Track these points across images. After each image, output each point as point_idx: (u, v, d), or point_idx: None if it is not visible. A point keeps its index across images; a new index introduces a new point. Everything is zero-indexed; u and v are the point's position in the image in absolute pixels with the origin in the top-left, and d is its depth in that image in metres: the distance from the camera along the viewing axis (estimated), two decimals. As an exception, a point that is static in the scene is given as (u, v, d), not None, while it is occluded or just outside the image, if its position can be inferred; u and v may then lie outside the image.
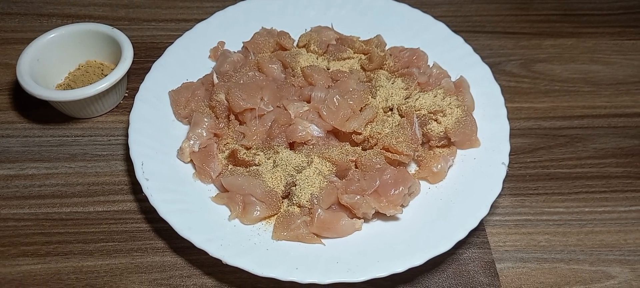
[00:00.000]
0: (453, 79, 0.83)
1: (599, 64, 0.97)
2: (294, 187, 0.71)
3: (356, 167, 0.73)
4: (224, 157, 0.75)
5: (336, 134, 0.77)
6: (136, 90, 0.80)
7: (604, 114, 0.89)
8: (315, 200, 0.69)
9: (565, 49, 1.00)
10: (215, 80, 0.82)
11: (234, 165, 0.74)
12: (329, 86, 0.80)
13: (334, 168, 0.72)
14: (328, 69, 0.85)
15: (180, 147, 0.75)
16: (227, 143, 0.76)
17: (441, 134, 0.76)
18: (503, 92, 0.81)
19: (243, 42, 0.89)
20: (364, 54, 0.87)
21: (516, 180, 0.80)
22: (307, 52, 0.87)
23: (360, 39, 0.89)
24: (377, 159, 0.72)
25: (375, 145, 0.75)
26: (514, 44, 1.00)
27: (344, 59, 0.86)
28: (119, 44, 0.84)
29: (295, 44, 0.90)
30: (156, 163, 0.73)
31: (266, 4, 0.95)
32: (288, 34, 0.90)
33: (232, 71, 0.83)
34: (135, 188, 0.77)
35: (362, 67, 0.85)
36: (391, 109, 0.79)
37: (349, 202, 0.69)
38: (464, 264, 0.71)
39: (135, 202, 0.76)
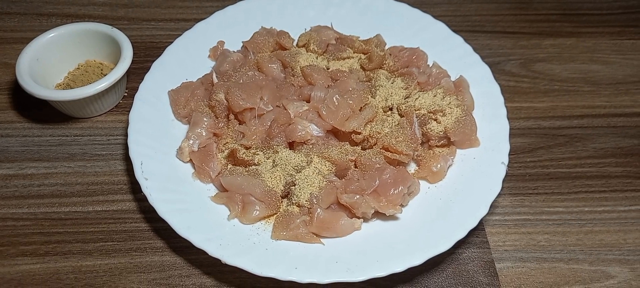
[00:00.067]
0: (453, 79, 0.83)
1: (598, 63, 0.97)
2: (293, 187, 0.71)
3: (356, 167, 0.73)
4: (223, 156, 0.75)
5: (336, 133, 0.77)
6: (135, 89, 0.80)
7: (604, 113, 0.89)
8: (314, 200, 0.69)
9: (565, 49, 1.00)
10: (215, 80, 0.82)
11: (233, 164, 0.74)
12: (328, 86, 0.80)
13: (334, 168, 0.72)
14: (328, 69, 0.85)
15: (180, 147, 0.75)
16: (227, 142, 0.76)
17: (441, 133, 0.76)
18: (502, 91, 0.81)
19: (243, 42, 0.89)
20: (364, 54, 0.87)
21: (516, 179, 0.80)
22: (307, 51, 0.87)
23: (359, 39, 0.89)
24: (377, 159, 0.72)
25: (374, 144, 0.75)
26: (513, 44, 1.00)
27: (344, 59, 0.86)
28: (118, 43, 0.84)
29: (294, 44, 0.90)
30: (155, 163, 0.73)
31: (266, 4, 0.95)
32: (288, 33, 0.90)
33: (232, 71, 0.83)
34: (135, 187, 0.77)
35: (361, 67, 0.85)
36: (391, 109, 0.79)
37: (349, 201, 0.68)
38: (463, 264, 0.71)
39: (135, 202, 0.76)
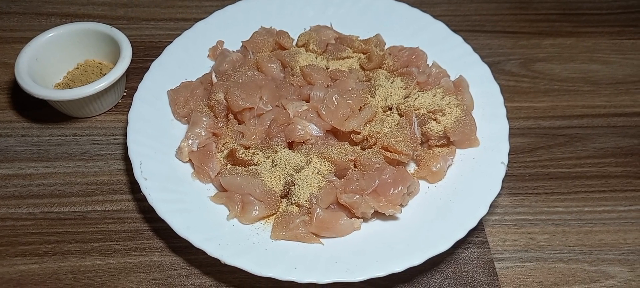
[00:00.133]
0: (452, 78, 0.83)
1: (598, 63, 0.97)
2: (292, 187, 0.70)
3: (355, 167, 0.73)
4: (222, 156, 0.75)
5: (335, 133, 0.77)
6: (135, 89, 0.80)
7: (603, 113, 0.89)
8: (314, 200, 0.69)
9: (565, 49, 1.00)
10: (214, 80, 0.82)
11: (232, 164, 0.74)
12: (328, 85, 0.80)
13: (333, 168, 0.72)
14: (327, 68, 0.84)
15: (179, 147, 0.75)
16: (226, 142, 0.76)
17: (440, 133, 0.76)
18: (502, 91, 0.81)
19: (242, 42, 0.89)
20: (363, 53, 0.87)
21: (515, 179, 0.80)
22: (306, 51, 0.87)
23: (359, 38, 0.89)
24: (376, 159, 0.72)
25: (374, 144, 0.75)
26: (513, 43, 1.00)
27: (343, 58, 0.86)
28: (117, 43, 0.84)
29: (294, 43, 0.90)
30: (155, 162, 0.73)
31: (265, 4, 0.95)
32: (287, 33, 0.90)
33: (231, 70, 0.83)
34: (134, 187, 0.77)
35: (361, 67, 0.85)
36: (390, 108, 0.79)
37: (348, 201, 0.68)
38: (463, 264, 0.71)
39: (134, 202, 0.75)
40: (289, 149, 0.74)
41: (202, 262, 0.69)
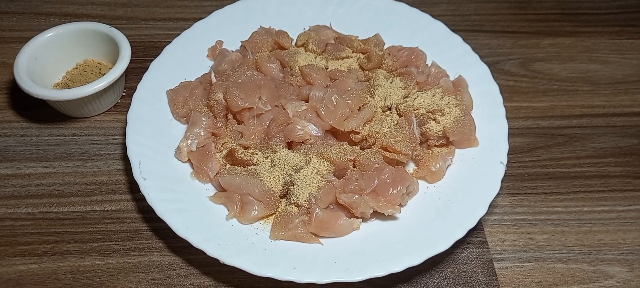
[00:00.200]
0: (451, 78, 0.83)
1: (597, 63, 0.97)
2: (292, 187, 0.70)
3: (354, 167, 0.73)
4: (221, 156, 0.75)
5: (334, 133, 0.77)
6: (134, 89, 0.80)
7: (603, 113, 0.89)
8: (313, 200, 0.69)
9: (564, 48, 1.00)
10: (214, 80, 0.82)
11: (231, 164, 0.74)
12: (327, 85, 0.80)
13: (332, 168, 0.72)
14: (326, 68, 0.84)
15: (178, 147, 0.75)
16: (225, 142, 0.76)
17: (439, 133, 0.76)
18: (501, 91, 0.81)
19: (241, 41, 0.89)
20: (363, 53, 0.87)
21: (515, 179, 0.80)
22: (306, 51, 0.87)
23: (358, 38, 0.89)
24: (376, 158, 0.72)
25: (373, 144, 0.75)
26: (512, 43, 1.00)
27: (343, 58, 0.86)
28: (116, 43, 0.84)
29: (293, 43, 0.89)
30: (154, 162, 0.73)
31: (264, 3, 0.94)
32: (286, 33, 0.89)
33: (230, 70, 0.83)
34: (133, 187, 0.76)
35: (360, 66, 0.85)
36: (389, 108, 0.79)
37: (347, 201, 0.68)
38: (462, 264, 0.71)
39: (133, 202, 0.75)
40: (288, 149, 0.74)
41: (201, 262, 0.69)
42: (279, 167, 0.72)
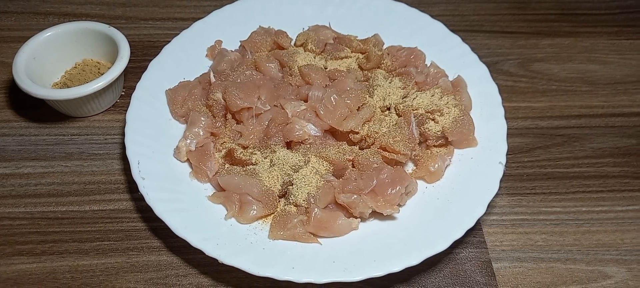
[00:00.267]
0: (450, 78, 0.83)
1: (596, 63, 0.97)
2: (290, 186, 0.70)
3: (353, 167, 0.73)
4: (220, 156, 0.75)
5: (333, 133, 0.77)
6: (133, 88, 0.80)
7: (602, 113, 0.89)
8: (312, 200, 0.69)
9: (563, 49, 1.00)
10: (212, 79, 0.82)
11: (230, 164, 0.74)
12: (326, 85, 0.80)
13: (331, 168, 0.72)
14: (325, 68, 0.84)
15: (177, 146, 0.75)
16: (224, 142, 0.76)
17: (438, 133, 0.76)
18: (500, 91, 0.81)
19: (240, 41, 0.89)
20: (362, 53, 0.87)
21: (513, 179, 0.80)
22: (305, 51, 0.87)
23: (357, 38, 0.89)
24: (374, 158, 0.72)
25: (372, 144, 0.75)
26: (511, 44, 1.00)
27: (342, 58, 0.86)
28: (115, 42, 0.84)
29: (292, 43, 0.89)
30: (153, 162, 0.73)
31: (264, 3, 0.94)
32: (285, 32, 0.89)
33: (230, 70, 0.83)
34: (132, 187, 0.76)
35: (359, 66, 0.85)
36: (388, 108, 0.79)
37: (346, 201, 0.68)
38: (460, 264, 0.71)
39: (132, 201, 0.75)
40: (287, 149, 0.74)
41: (200, 262, 0.69)
42: (278, 167, 0.72)
